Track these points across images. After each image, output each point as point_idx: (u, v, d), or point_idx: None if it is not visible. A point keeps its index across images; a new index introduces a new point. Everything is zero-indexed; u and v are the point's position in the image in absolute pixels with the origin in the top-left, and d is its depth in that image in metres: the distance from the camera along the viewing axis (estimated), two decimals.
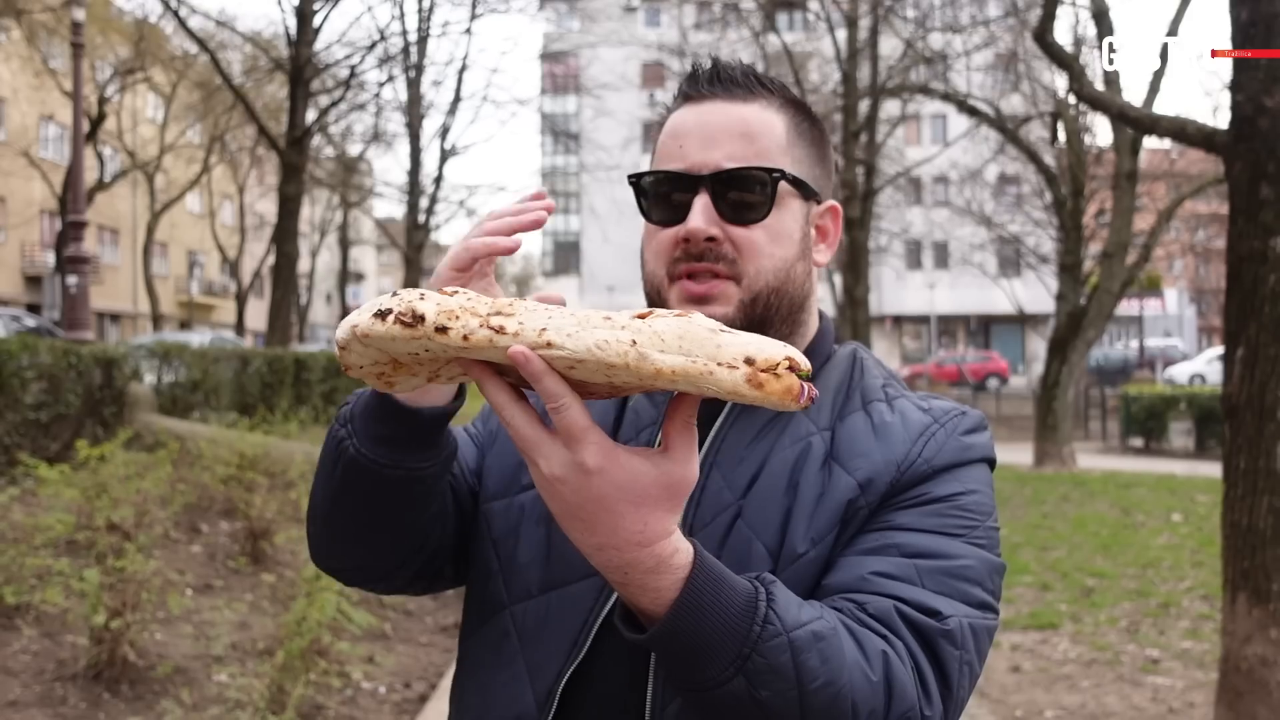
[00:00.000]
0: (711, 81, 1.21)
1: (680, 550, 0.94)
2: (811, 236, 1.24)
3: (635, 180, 1.23)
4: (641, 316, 0.85)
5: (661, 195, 1.21)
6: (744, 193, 1.17)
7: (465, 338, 0.85)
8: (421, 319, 0.85)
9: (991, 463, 1.20)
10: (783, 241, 1.19)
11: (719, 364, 0.82)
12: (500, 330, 0.85)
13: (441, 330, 0.85)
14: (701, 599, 0.93)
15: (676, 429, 0.92)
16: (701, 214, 1.16)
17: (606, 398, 0.96)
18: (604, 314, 0.86)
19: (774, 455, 1.16)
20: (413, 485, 1.13)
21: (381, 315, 0.86)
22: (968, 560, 1.08)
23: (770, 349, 0.84)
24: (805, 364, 0.85)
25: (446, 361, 0.94)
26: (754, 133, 1.19)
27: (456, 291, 0.89)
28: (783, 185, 1.18)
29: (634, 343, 0.83)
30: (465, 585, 1.30)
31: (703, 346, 0.83)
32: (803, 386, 0.84)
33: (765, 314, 1.19)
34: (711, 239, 1.17)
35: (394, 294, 0.89)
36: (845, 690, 0.95)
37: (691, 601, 0.93)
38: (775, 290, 1.19)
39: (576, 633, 1.14)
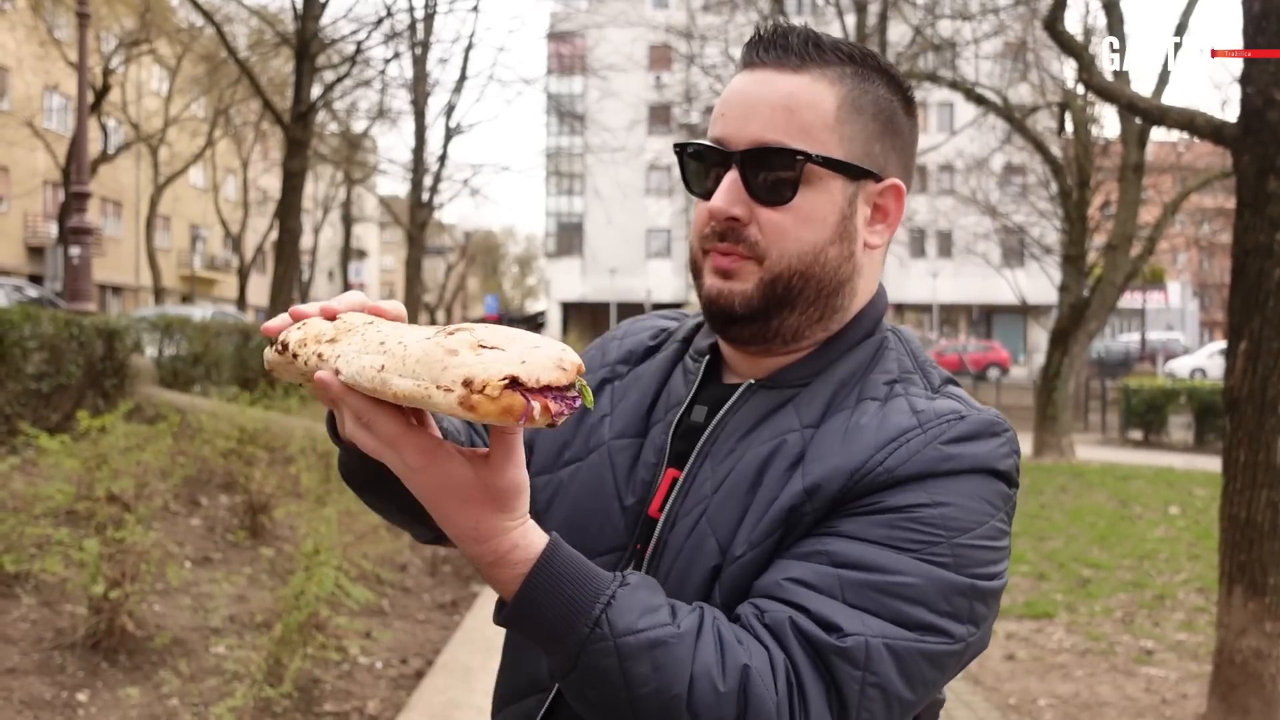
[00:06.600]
0: (767, 49, 1.14)
1: (520, 547, 0.94)
2: (864, 216, 1.16)
3: (680, 150, 1.20)
4: (451, 334, 0.84)
5: (699, 167, 1.17)
6: (771, 172, 1.11)
7: (305, 363, 0.94)
8: (286, 347, 0.96)
9: (997, 473, 1.07)
10: (813, 225, 1.12)
11: (438, 387, 0.81)
12: (320, 357, 0.92)
13: (295, 357, 0.95)
14: (537, 595, 0.94)
15: (495, 437, 0.92)
16: (725, 193, 1.12)
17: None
18: (400, 338, 0.87)
19: (749, 450, 1.11)
20: None
21: (273, 345, 0.99)
22: (909, 578, 0.99)
23: (494, 367, 0.80)
24: (544, 378, 0.82)
25: None
26: (794, 108, 1.11)
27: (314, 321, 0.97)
28: (815, 167, 1.11)
29: (382, 368, 0.85)
30: None
31: (430, 370, 0.82)
32: (529, 405, 0.80)
33: (787, 295, 1.13)
34: (734, 219, 1.12)
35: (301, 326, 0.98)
36: (679, 699, 0.93)
37: (527, 597, 0.95)
38: (800, 274, 1.12)
39: None
